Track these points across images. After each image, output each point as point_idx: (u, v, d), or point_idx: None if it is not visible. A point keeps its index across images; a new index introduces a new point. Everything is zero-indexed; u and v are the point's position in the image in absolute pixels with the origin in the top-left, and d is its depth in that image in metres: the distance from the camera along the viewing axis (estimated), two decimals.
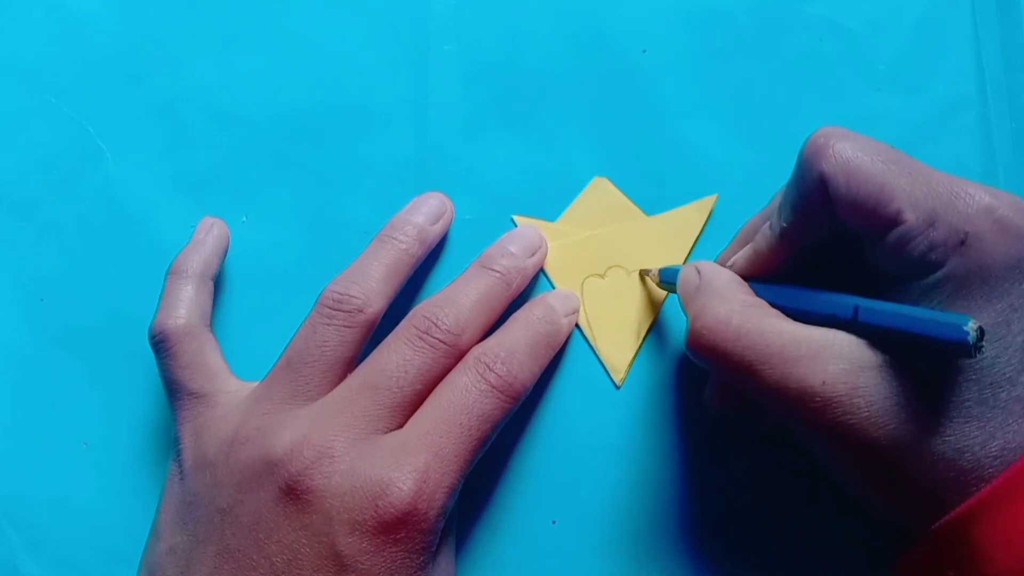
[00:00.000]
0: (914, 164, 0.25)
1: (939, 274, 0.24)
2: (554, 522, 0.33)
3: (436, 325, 0.30)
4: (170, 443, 0.32)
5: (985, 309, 0.24)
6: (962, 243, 0.24)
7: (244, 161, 0.36)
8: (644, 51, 0.36)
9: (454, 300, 0.31)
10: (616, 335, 0.34)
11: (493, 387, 0.29)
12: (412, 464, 0.27)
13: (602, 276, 0.34)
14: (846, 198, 0.25)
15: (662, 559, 0.32)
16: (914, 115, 0.35)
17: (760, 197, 0.34)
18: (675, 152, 0.35)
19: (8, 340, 0.36)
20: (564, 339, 0.33)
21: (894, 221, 0.24)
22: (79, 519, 0.35)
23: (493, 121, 0.36)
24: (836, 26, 0.35)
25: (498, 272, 0.32)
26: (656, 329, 0.34)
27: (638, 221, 0.34)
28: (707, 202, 0.34)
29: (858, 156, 0.25)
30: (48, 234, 0.36)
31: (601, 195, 0.35)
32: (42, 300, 0.36)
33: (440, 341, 0.30)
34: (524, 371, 0.30)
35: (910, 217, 0.24)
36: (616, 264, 0.34)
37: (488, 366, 0.29)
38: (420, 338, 0.30)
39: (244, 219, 0.36)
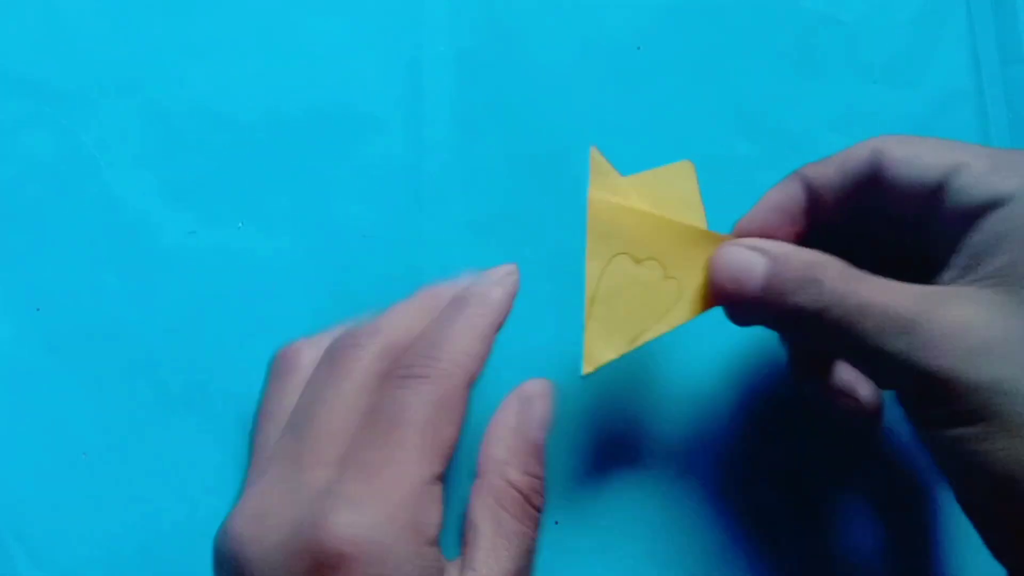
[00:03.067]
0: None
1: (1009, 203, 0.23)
2: (556, 523, 0.33)
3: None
4: (165, 450, 0.32)
5: None
6: None
7: (239, 167, 0.36)
8: (638, 48, 0.36)
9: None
10: (610, 328, 0.29)
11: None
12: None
13: (637, 261, 0.29)
14: (903, 159, 0.25)
15: (666, 558, 0.33)
16: (910, 108, 0.35)
17: (757, 193, 0.34)
18: (672, 149, 0.35)
19: (5, 350, 0.36)
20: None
21: (954, 168, 0.24)
22: (80, 529, 0.34)
23: (489, 122, 0.36)
24: (830, 19, 0.35)
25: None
26: (657, 345, 0.31)
27: (703, 232, 0.30)
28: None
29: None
30: (43, 244, 0.36)
31: (680, 179, 0.30)
32: (38, 310, 0.36)
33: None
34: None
35: (973, 162, 0.23)
36: (656, 257, 0.30)
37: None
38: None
39: (240, 225, 0.36)
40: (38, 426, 0.35)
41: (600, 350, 0.29)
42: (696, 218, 0.30)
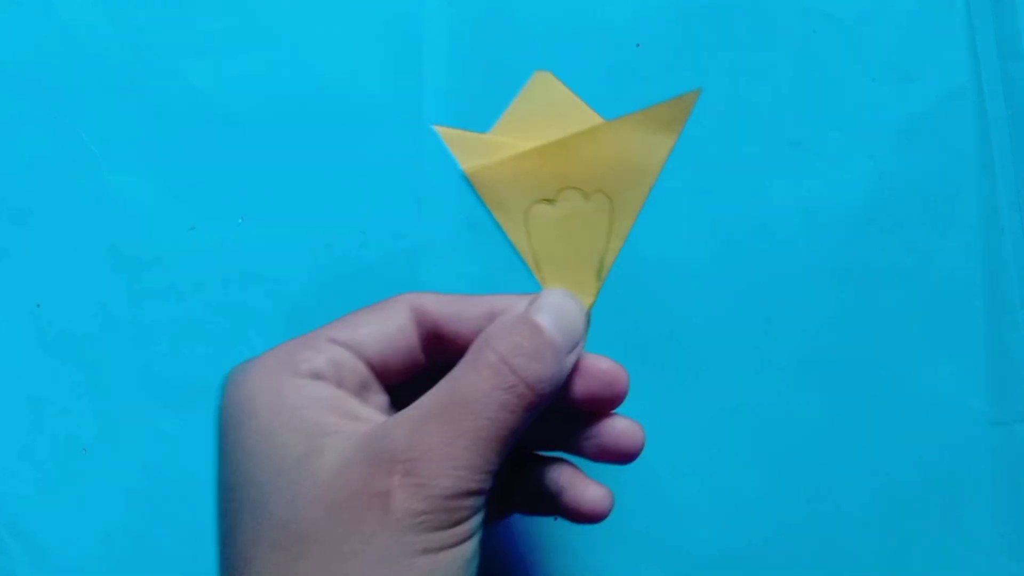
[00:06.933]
0: None
1: None
2: (555, 519, 0.33)
3: None
4: (164, 447, 0.32)
5: None
6: None
7: (239, 163, 0.36)
8: (637, 45, 0.36)
9: None
10: (572, 275, 0.27)
11: None
12: None
13: (552, 201, 0.27)
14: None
15: (664, 555, 0.32)
16: (910, 105, 0.35)
17: (754, 192, 0.34)
18: None
19: (5, 347, 0.36)
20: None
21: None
22: (79, 527, 0.34)
23: (488, 120, 0.36)
24: (829, 17, 0.35)
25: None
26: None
27: (595, 127, 0.27)
28: (686, 100, 0.27)
29: None
30: (43, 240, 0.36)
31: (545, 94, 0.28)
32: (38, 306, 0.36)
33: None
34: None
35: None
36: (569, 185, 0.27)
37: None
38: None
39: (240, 221, 0.36)
40: (37, 423, 0.35)
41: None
42: (589, 119, 0.27)
